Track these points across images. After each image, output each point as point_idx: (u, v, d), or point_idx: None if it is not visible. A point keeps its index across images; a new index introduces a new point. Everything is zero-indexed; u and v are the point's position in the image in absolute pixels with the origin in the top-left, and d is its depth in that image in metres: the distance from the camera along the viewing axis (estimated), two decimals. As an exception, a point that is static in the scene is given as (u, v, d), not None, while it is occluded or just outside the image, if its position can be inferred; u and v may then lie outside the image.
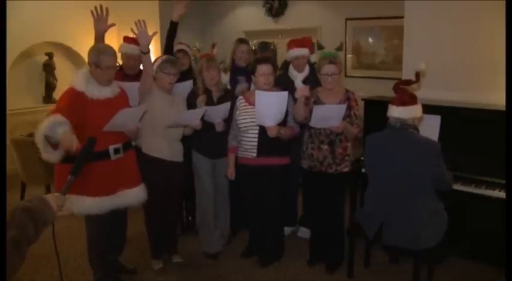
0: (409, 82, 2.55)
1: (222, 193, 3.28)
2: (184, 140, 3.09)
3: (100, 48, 2.60)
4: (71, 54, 5.93)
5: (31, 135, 4.52)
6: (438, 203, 2.52)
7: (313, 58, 3.50)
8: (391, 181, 2.50)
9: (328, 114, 2.76)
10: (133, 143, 2.91)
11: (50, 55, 5.73)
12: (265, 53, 5.75)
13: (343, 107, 2.76)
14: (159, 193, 2.99)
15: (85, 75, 2.60)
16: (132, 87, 2.90)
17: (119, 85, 2.77)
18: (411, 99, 2.48)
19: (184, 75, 3.27)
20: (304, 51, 3.35)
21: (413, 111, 2.48)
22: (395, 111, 2.48)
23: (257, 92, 2.81)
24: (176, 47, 3.59)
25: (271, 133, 2.84)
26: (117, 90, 2.72)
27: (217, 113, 3.02)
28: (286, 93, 2.83)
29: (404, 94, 2.50)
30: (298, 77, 3.38)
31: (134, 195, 2.77)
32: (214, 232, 3.26)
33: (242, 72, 3.53)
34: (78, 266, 3.20)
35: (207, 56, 3.21)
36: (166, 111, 2.88)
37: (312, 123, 2.84)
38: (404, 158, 2.44)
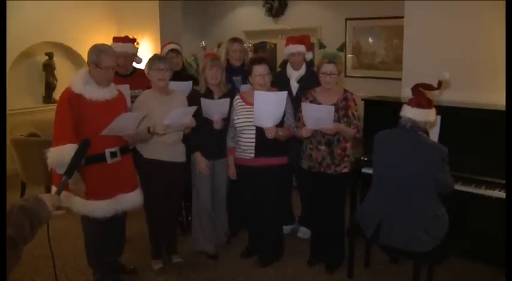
0: (429, 87, 2.54)
1: (220, 194, 3.28)
2: (185, 140, 3.08)
3: (100, 48, 2.58)
4: (71, 54, 5.93)
5: (31, 135, 4.56)
6: (440, 207, 2.52)
7: (309, 56, 3.50)
8: (396, 181, 2.50)
9: (317, 114, 2.73)
10: (131, 146, 2.90)
11: (50, 55, 5.72)
12: (262, 52, 5.74)
13: (332, 108, 2.72)
14: (160, 193, 2.99)
15: (84, 76, 2.58)
16: (122, 89, 2.89)
17: (116, 87, 2.76)
18: (427, 103, 2.48)
19: (177, 75, 3.25)
20: (300, 48, 3.34)
21: (428, 115, 2.48)
22: (410, 112, 2.48)
23: (256, 92, 2.80)
24: (168, 47, 3.58)
25: (270, 135, 2.82)
26: (115, 93, 2.70)
27: (216, 107, 3.00)
28: (285, 93, 2.82)
29: (421, 97, 2.50)
30: (293, 76, 3.38)
31: (131, 199, 2.77)
32: (208, 232, 3.25)
33: (238, 72, 3.49)
34: (78, 266, 3.20)
35: (212, 55, 3.19)
36: (165, 114, 2.80)
37: (305, 122, 2.82)
38: (411, 160, 2.44)
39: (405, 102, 2.55)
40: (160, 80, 2.88)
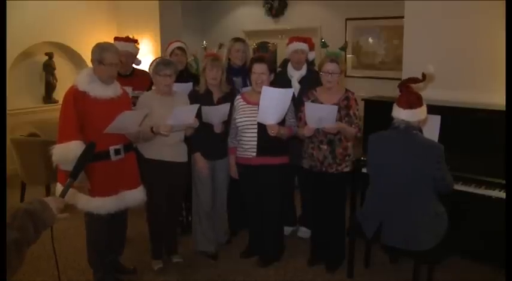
0: (416, 80, 2.51)
1: (221, 194, 3.28)
2: (186, 140, 3.08)
3: (103, 46, 2.62)
4: (71, 54, 5.93)
5: (31, 135, 4.57)
6: (439, 205, 2.52)
7: (312, 56, 3.50)
8: (393, 181, 2.49)
9: (320, 114, 2.74)
10: (134, 145, 2.91)
11: (50, 55, 5.72)
12: (264, 52, 5.75)
13: (335, 108, 2.74)
14: (161, 193, 2.99)
15: (88, 74, 2.61)
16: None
17: (120, 85, 2.76)
18: (418, 101, 2.45)
19: (180, 74, 3.25)
20: (303, 46, 3.34)
21: (420, 114, 2.46)
22: (402, 114, 2.45)
23: (264, 87, 2.81)
24: (174, 45, 3.58)
25: (272, 132, 2.83)
26: (119, 91, 2.72)
27: (216, 113, 3.00)
28: (291, 90, 2.83)
29: (410, 95, 2.46)
30: (294, 76, 3.38)
31: (134, 196, 2.78)
32: (209, 232, 3.25)
33: (238, 73, 3.50)
34: (78, 266, 3.20)
35: (212, 56, 3.19)
36: (168, 114, 2.80)
37: (308, 121, 2.83)
38: (407, 159, 2.44)
39: (395, 102, 2.51)
40: (166, 86, 2.89)
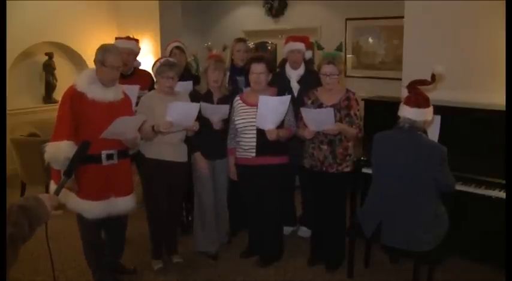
0: (424, 82, 2.51)
1: (221, 194, 3.28)
2: (186, 140, 3.08)
3: (106, 47, 2.60)
4: (71, 54, 5.94)
5: (31, 135, 4.57)
6: (440, 206, 2.52)
7: (309, 54, 3.50)
8: (395, 181, 2.49)
9: (318, 118, 2.75)
10: (131, 152, 2.87)
11: (50, 55, 5.72)
12: (262, 52, 5.76)
13: (331, 110, 2.75)
14: (162, 193, 2.99)
15: (89, 75, 2.59)
16: (128, 89, 2.88)
17: (122, 90, 2.74)
18: (426, 102, 2.46)
19: (180, 75, 3.25)
20: (300, 45, 3.35)
21: (426, 114, 2.47)
22: (409, 112, 2.45)
23: (261, 96, 2.82)
24: (173, 44, 3.59)
25: (271, 136, 2.84)
26: (120, 95, 2.68)
27: (215, 112, 3.00)
28: (289, 97, 2.84)
29: (419, 96, 2.47)
30: (293, 76, 3.39)
31: (124, 204, 2.73)
32: (210, 232, 3.25)
33: (240, 72, 3.52)
34: (78, 267, 3.19)
35: (216, 57, 3.18)
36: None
37: (307, 125, 2.84)
38: (410, 160, 2.43)
39: (402, 102, 2.52)
40: (169, 87, 2.89)
